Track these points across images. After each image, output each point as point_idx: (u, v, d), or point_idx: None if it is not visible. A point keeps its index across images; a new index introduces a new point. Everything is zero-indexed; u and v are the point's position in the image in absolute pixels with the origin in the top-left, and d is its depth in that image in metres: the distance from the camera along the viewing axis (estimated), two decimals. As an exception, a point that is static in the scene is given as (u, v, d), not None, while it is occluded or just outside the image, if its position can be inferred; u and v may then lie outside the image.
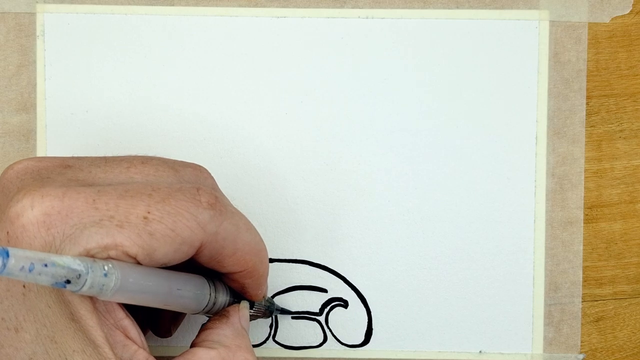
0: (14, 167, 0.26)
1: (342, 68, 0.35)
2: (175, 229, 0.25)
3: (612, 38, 0.35)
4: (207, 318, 0.30)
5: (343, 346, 0.36)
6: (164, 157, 0.29)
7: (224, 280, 0.30)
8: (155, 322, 0.32)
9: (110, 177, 0.26)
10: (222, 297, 0.29)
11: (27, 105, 0.35)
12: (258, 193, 0.35)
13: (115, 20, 0.35)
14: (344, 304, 0.36)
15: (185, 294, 0.27)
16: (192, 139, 0.35)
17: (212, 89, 0.35)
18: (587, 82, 0.35)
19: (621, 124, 0.36)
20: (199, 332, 0.29)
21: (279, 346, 0.36)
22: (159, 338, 0.32)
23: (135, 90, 0.35)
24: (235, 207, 0.28)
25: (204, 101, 0.35)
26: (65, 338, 0.24)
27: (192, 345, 0.28)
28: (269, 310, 0.33)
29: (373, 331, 0.36)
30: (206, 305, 0.28)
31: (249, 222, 0.28)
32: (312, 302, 0.36)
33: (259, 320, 0.35)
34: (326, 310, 0.36)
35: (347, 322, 0.36)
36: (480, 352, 0.35)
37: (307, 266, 0.35)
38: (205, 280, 0.28)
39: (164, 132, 0.35)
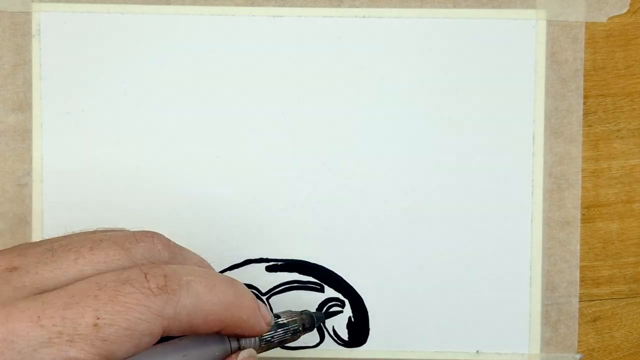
0: None
1: (338, 67, 0.35)
2: (130, 326, 0.24)
3: (609, 38, 0.35)
4: None
5: (340, 346, 0.36)
6: (114, 231, 0.28)
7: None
8: None
9: (59, 275, 0.25)
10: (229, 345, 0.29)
11: (23, 105, 0.35)
12: (255, 193, 0.35)
13: (111, 20, 0.35)
14: (341, 304, 0.35)
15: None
16: (189, 138, 0.35)
17: (209, 89, 0.35)
18: (584, 81, 0.35)
19: (618, 123, 0.36)
20: None
21: (275, 346, 0.35)
22: None
23: (131, 90, 0.35)
24: (192, 268, 0.27)
25: (201, 100, 0.35)
26: None
27: None
28: (292, 331, 0.32)
29: (370, 331, 0.35)
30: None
31: (210, 276, 0.27)
32: (309, 302, 0.35)
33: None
34: (323, 310, 0.35)
35: (344, 322, 0.36)
36: (477, 352, 0.35)
37: (304, 266, 0.35)
38: (224, 337, 0.28)
39: (159, 131, 0.35)
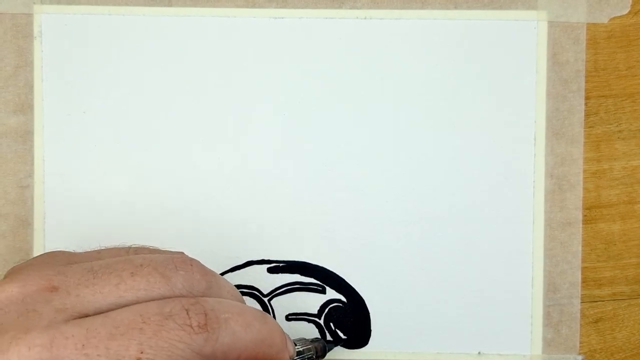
0: None
1: (340, 68, 0.35)
2: None
3: (611, 38, 0.35)
4: None
5: (342, 347, 0.36)
6: (149, 251, 0.28)
7: None
8: None
9: (100, 299, 0.25)
10: None
11: (25, 107, 0.35)
12: (256, 194, 0.35)
13: (113, 21, 0.35)
14: (343, 305, 0.35)
15: None
16: (190, 139, 0.35)
17: (211, 90, 0.35)
18: (585, 82, 0.35)
19: (620, 124, 0.36)
20: None
21: (277, 348, 0.35)
22: None
23: (132, 91, 0.35)
24: (228, 303, 0.27)
25: (202, 102, 0.35)
26: None
27: None
28: (306, 359, 0.32)
29: (372, 332, 0.35)
30: None
31: (246, 313, 0.27)
32: (310, 303, 0.35)
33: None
34: (325, 311, 0.35)
35: (345, 324, 0.36)
36: (479, 353, 0.35)
37: (305, 267, 0.35)
38: None
39: (160, 132, 0.35)
